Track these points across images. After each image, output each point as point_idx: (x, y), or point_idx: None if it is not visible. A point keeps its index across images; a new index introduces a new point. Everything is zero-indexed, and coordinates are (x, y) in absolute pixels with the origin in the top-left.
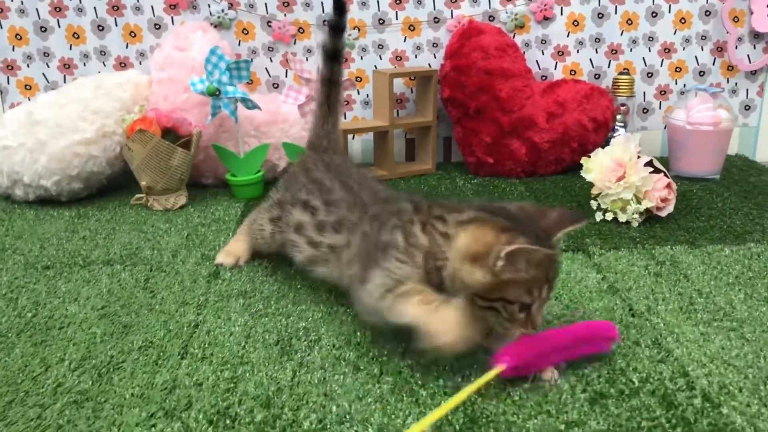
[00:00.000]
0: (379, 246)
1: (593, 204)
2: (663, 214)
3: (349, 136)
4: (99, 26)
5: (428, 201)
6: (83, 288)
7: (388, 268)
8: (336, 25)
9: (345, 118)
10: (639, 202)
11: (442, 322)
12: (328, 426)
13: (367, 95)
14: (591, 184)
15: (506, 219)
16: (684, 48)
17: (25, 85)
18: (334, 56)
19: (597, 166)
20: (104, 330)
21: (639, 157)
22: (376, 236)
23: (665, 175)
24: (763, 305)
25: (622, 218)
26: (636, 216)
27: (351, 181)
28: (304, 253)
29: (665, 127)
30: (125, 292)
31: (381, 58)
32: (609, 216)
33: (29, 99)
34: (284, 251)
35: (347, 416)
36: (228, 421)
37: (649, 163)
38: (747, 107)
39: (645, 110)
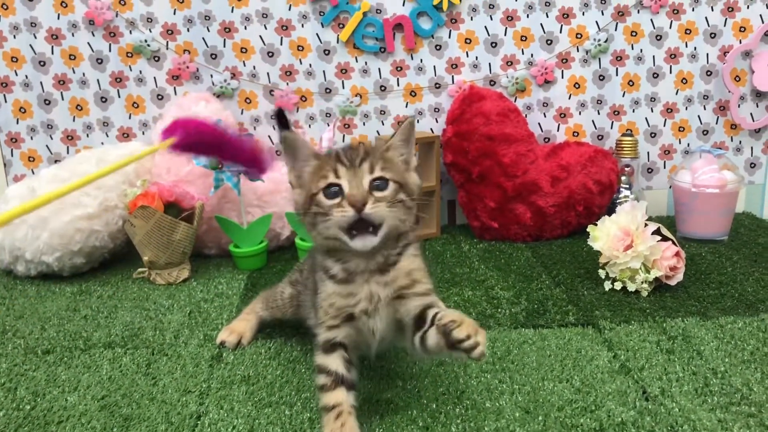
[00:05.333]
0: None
1: (601, 273)
2: (672, 282)
3: None
4: (102, 98)
5: None
6: (84, 375)
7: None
8: None
9: None
10: (648, 271)
11: None
12: None
13: None
14: (599, 251)
15: None
16: (686, 108)
17: (29, 157)
18: None
19: (604, 235)
20: (104, 424)
21: (646, 225)
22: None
23: (674, 243)
24: None
25: (631, 287)
26: (645, 285)
27: None
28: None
29: (670, 187)
30: (126, 379)
31: (383, 124)
32: (618, 285)
33: (32, 171)
34: (299, 315)
35: None
36: None
37: (657, 231)
38: (752, 165)
39: (649, 170)
